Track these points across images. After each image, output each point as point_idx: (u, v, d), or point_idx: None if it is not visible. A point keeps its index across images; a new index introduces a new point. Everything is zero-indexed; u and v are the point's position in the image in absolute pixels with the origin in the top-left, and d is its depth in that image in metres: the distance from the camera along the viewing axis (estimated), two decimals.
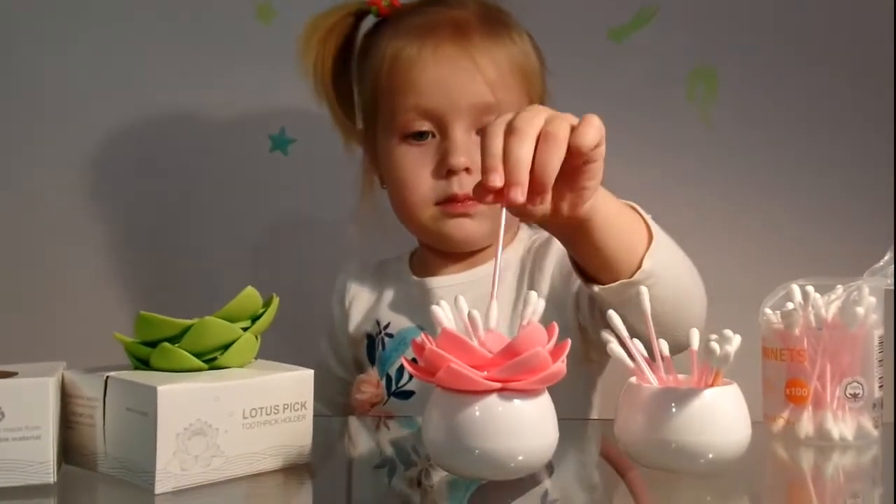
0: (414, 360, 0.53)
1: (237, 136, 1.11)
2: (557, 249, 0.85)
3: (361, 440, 0.74)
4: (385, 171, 0.88)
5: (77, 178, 1.12)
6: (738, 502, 0.54)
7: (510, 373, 0.49)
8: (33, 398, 0.49)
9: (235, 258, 1.12)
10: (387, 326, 0.90)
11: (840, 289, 0.65)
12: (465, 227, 0.84)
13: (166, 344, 0.52)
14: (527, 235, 0.91)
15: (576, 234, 0.64)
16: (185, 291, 1.11)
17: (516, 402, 0.49)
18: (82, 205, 1.12)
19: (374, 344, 0.90)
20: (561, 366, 0.50)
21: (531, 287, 0.86)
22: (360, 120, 0.92)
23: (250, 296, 0.53)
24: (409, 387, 0.87)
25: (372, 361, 0.90)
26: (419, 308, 0.88)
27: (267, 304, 0.55)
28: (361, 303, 0.94)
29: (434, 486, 0.54)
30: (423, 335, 0.53)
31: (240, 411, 0.51)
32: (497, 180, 0.53)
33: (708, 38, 1.04)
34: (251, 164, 1.11)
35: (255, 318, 0.55)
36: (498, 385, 0.49)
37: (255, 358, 0.57)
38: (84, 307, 1.10)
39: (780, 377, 0.66)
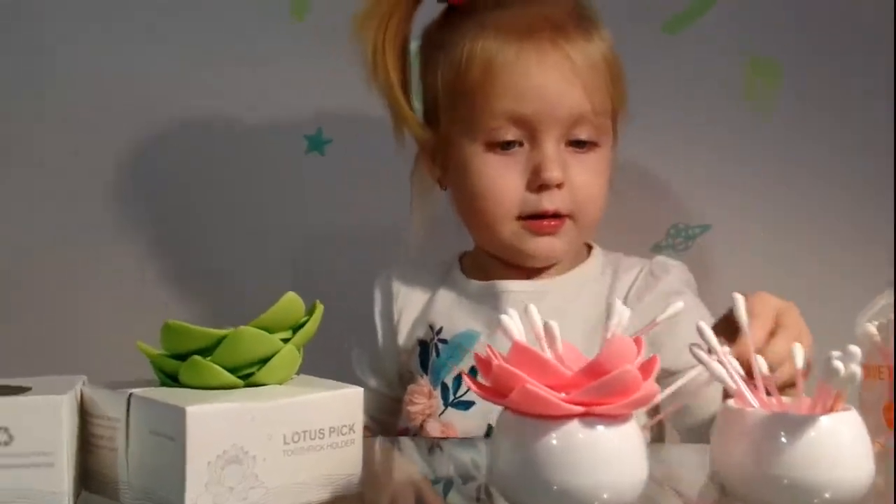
0: (472, 372, 0.47)
1: (272, 137, 1.06)
2: (656, 305, 0.79)
3: (415, 465, 0.67)
4: (460, 178, 0.82)
5: (106, 182, 1.07)
6: None
7: (595, 395, 0.42)
8: (45, 419, 0.43)
9: (270, 264, 1.06)
10: (440, 331, 0.84)
11: None
12: (549, 246, 0.80)
13: (197, 357, 0.45)
14: (601, 252, 0.86)
15: None
16: (216, 300, 1.06)
17: (601, 429, 0.42)
18: (111, 208, 1.07)
19: (427, 350, 0.84)
20: (654, 386, 0.43)
21: (608, 310, 0.80)
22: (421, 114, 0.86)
23: (292, 302, 0.47)
24: (468, 396, 0.81)
25: (425, 369, 0.84)
26: (475, 312, 0.83)
27: (310, 313, 0.49)
28: (412, 308, 0.87)
29: None
30: (488, 348, 0.46)
31: (280, 436, 0.45)
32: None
33: (767, 27, 0.98)
34: (287, 166, 1.06)
35: (296, 328, 0.48)
36: (580, 409, 0.42)
37: (297, 373, 0.50)
38: (107, 315, 1.05)
39: (877, 398, 0.58)
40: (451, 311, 0.85)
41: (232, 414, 0.43)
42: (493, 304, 0.82)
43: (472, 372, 0.82)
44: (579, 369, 0.43)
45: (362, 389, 0.49)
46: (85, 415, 0.48)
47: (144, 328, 0.49)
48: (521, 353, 0.43)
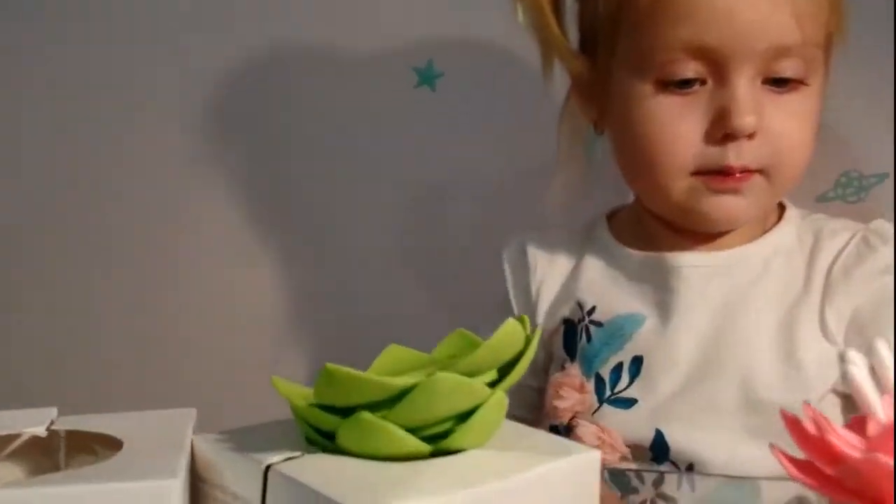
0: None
1: (374, 70, 0.89)
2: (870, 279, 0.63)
3: None
4: (623, 122, 0.65)
5: (192, 125, 0.92)
6: None
7: None
8: None
9: (372, 219, 0.91)
10: (592, 311, 0.68)
11: None
12: (730, 206, 0.62)
13: (366, 415, 0.30)
14: (798, 213, 0.68)
15: None
16: (314, 254, 0.91)
17: None
18: (197, 152, 0.92)
19: (574, 333, 0.69)
20: None
21: (808, 286, 0.64)
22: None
23: (512, 335, 0.31)
24: (629, 392, 0.65)
25: (571, 355, 0.69)
26: (637, 290, 0.67)
27: (526, 344, 0.33)
28: (553, 280, 0.72)
29: None
30: (809, 409, 0.30)
31: None
32: None
33: None
34: (391, 102, 0.89)
35: (505, 367, 0.33)
36: None
37: None
38: (185, 272, 0.92)
39: None
40: (606, 288, 0.69)
41: None
42: (660, 281, 0.66)
43: (634, 364, 0.66)
44: None
45: (599, 454, 0.33)
46: (195, 476, 0.33)
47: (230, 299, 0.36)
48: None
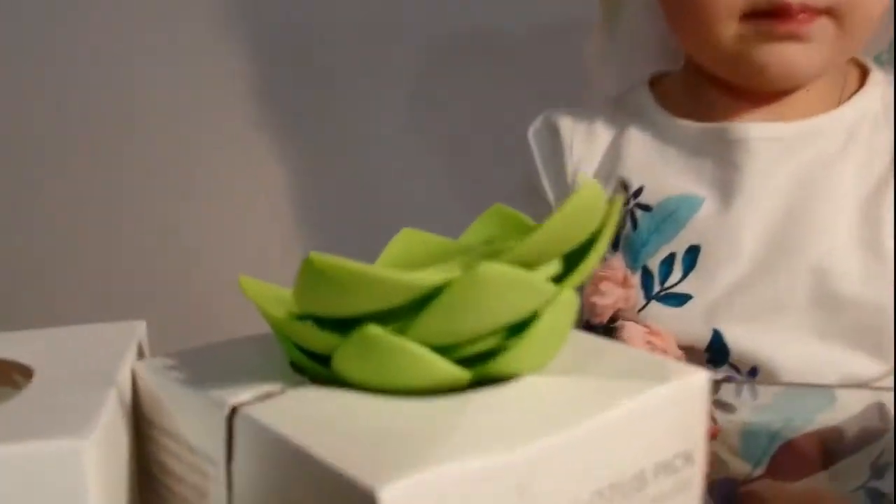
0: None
1: None
2: None
3: None
4: None
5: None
6: None
7: None
8: (60, 473, 0.19)
9: (382, 71, 0.80)
10: (639, 193, 0.58)
11: None
12: (791, 56, 0.52)
13: (375, 329, 0.20)
14: (884, 77, 0.57)
15: None
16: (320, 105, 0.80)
17: None
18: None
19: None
20: None
21: None
22: None
23: (586, 207, 0.20)
24: (682, 287, 0.56)
25: (613, 245, 0.60)
26: (694, 166, 0.57)
27: (607, 215, 0.22)
28: (592, 157, 0.61)
29: None
30: None
31: (569, 500, 0.20)
32: None
33: None
34: None
35: (573, 255, 0.22)
36: None
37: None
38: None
39: None
40: (655, 165, 0.58)
41: (478, 480, 0.18)
42: (722, 156, 0.55)
43: (689, 255, 0.56)
44: None
45: (707, 374, 0.23)
46: (138, 416, 0.24)
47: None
48: None
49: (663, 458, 0.22)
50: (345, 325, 0.20)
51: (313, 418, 0.19)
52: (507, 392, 0.21)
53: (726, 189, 0.55)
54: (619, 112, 0.62)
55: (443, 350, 0.20)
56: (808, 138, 0.55)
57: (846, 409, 0.50)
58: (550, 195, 0.62)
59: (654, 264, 0.57)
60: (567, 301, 0.21)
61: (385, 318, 0.20)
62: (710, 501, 0.39)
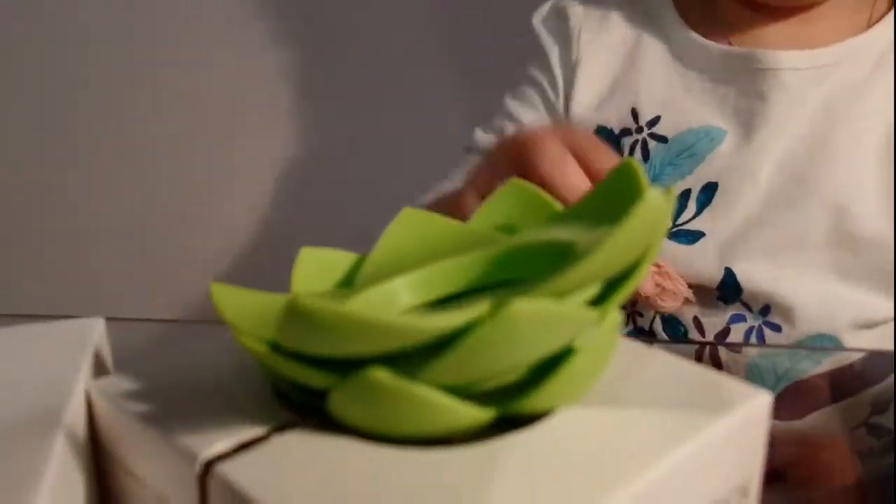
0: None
1: None
2: None
3: None
4: None
5: None
6: None
7: None
8: None
9: None
10: (654, 122, 0.53)
11: None
12: None
13: (380, 374, 0.16)
14: None
15: None
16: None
17: None
18: None
19: (621, 145, 0.55)
20: None
21: None
22: None
23: (651, 220, 0.16)
24: (695, 224, 0.53)
25: None
26: (716, 95, 0.53)
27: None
28: (599, 58, 0.56)
29: None
30: None
31: None
32: None
33: None
34: None
35: (617, 280, 0.18)
36: None
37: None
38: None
39: None
40: (675, 92, 0.54)
41: None
42: (748, 85, 0.52)
43: (705, 192, 0.52)
44: None
45: (770, 397, 0.19)
46: (101, 452, 0.20)
47: None
48: None
49: (718, 497, 0.19)
50: (342, 363, 0.16)
51: (301, 479, 0.16)
52: (541, 436, 0.17)
53: (750, 120, 0.52)
54: (635, 16, 0.57)
55: (460, 388, 0.17)
56: (836, 64, 0.51)
57: (852, 354, 0.49)
58: (560, 82, 0.58)
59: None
60: (609, 325, 0.17)
61: (391, 359, 0.16)
62: None
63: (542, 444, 0.17)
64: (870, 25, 0.52)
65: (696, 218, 0.52)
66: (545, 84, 0.58)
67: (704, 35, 0.54)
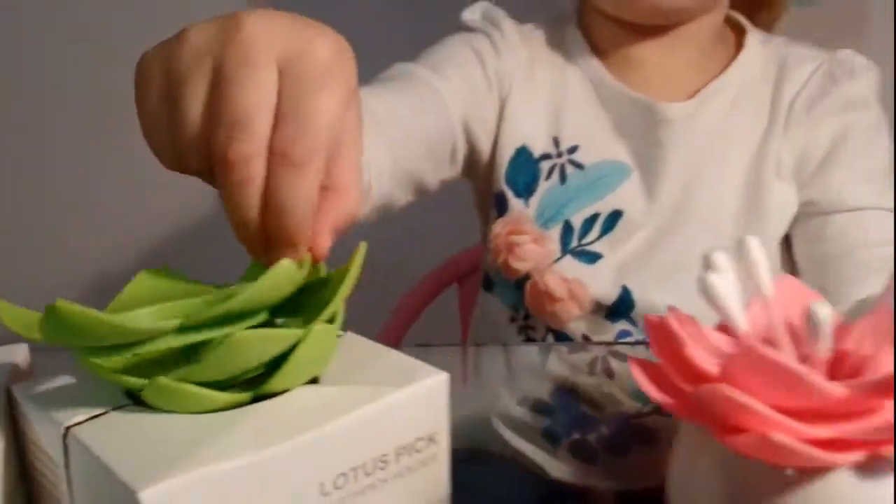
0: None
1: None
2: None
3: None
4: None
5: None
6: None
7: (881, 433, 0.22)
8: None
9: None
10: (574, 150, 0.61)
11: None
12: None
13: (163, 380, 0.26)
14: (758, 39, 0.62)
15: None
16: None
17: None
18: None
19: (531, 168, 0.62)
20: None
21: (772, 123, 0.60)
22: None
23: (281, 276, 0.27)
24: (595, 246, 0.61)
25: (527, 192, 0.62)
26: (623, 131, 0.61)
27: (348, 264, 0.29)
28: (533, 86, 0.63)
29: None
30: (671, 313, 0.26)
31: (317, 484, 0.26)
32: None
33: None
34: None
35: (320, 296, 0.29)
36: (860, 457, 0.22)
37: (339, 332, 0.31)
38: None
39: None
40: (593, 126, 0.61)
41: (223, 480, 0.25)
42: (649, 132, 0.61)
43: (611, 218, 0.60)
44: (855, 386, 0.22)
45: (447, 375, 0.29)
46: (20, 433, 0.31)
47: None
48: (755, 363, 0.23)
49: (405, 442, 0.28)
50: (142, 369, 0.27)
51: (122, 436, 0.26)
52: (278, 404, 0.28)
53: (650, 162, 0.60)
54: (553, 41, 0.64)
55: (221, 384, 0.27)
56: (703, 109, 0.60)
57: None
58: (474, 72, 0.61)
59: (578, 221, 0.61)
60: (318, 334, 0.28)
61: (173, 364, 0.27)
62: (606, 431, 0.44)
63: (276, 406, 0.27)
64: (723, 67, 0.61)
65: (598, 241, 0.60)
66: (476, 75, 0.62)
67: (609, 66, 0.61)
